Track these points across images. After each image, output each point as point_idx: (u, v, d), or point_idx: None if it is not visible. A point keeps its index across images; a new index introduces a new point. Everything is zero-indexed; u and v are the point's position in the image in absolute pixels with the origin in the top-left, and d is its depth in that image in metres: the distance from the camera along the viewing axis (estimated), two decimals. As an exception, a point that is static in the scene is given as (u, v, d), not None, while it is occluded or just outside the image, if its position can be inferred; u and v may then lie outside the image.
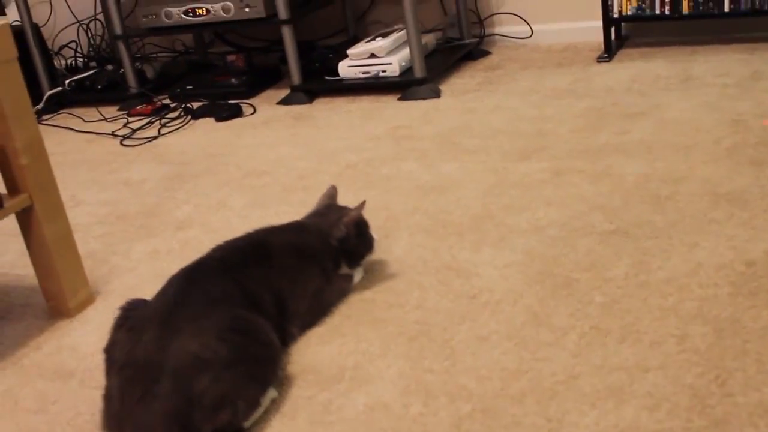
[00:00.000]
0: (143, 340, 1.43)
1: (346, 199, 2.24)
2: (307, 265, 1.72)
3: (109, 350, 1.50)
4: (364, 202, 1.88)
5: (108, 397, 1.44)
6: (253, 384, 1.41)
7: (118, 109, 3.98)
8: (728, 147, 2.33)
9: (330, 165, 2.71)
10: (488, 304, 1.71)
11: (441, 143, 2.75)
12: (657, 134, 2.52)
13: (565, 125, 2.73)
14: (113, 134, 3.58)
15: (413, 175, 2.50)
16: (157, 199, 2.67)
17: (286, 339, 1.66)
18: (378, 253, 1.98)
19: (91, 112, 4.00)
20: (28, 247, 1.97)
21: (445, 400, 1.42)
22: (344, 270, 1.84)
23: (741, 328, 1.49)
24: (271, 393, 1.48)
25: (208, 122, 3.56)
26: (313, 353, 1.64)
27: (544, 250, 1.89)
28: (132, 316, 1.53)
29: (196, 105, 3.75)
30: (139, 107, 3.86)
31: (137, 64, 4.14)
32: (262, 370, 1.44)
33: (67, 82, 4.23)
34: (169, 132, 3.50)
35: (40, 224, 1.91)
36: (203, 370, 1.36)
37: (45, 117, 4.09)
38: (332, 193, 1.97)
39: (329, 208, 1.91)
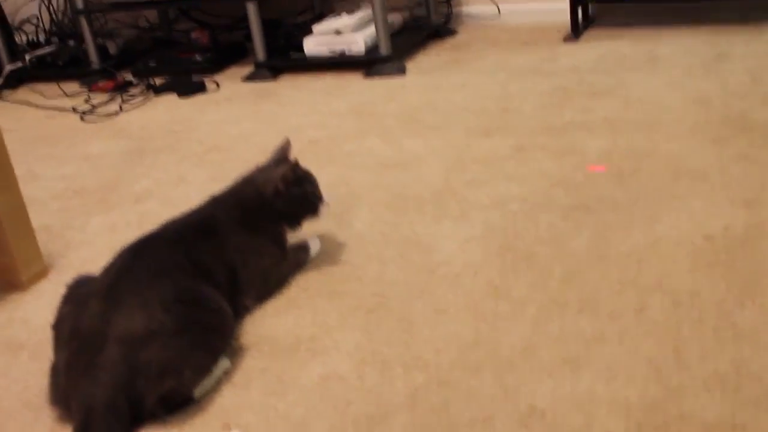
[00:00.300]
0: (88, 313, 1.39)
1: None
2: (256, 236, 1.68)
3: (57, 326, 1.47)
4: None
5: (55, 371, 1.41)
6: (200, 352, 1.38)
7: (80, 85, 3.90)
8: (691, 125, 2.33)
9: (292, 141, 2.66)
10: (447, 277, 1.69)
11: (404, 120, 2.72)
12: (621, 112, 2.51)
13: (530, 103, 2.71)
14: (74, 110, 3.50)
15: (375, 151, 2.47)
16: (117, 173, 2.62)
17: (240, 311, 1.63)
18: (338, 227, 1.96)
19: (52, 89, 3.92)
20: (-21, 220, 1.92)
21: (401, 371, 1.40)
22: (287, 231, 1.77)
23: (698, 301, 1.49)
24: (224, 363, 1.45)
25: (171, 98, 3.50)
26: (269, 325, 1.61)
27: (505, 225, 1.87)
28: (79, 291, 1.49)
29: (159, 82, 3.68)
30: (100, 83, 3.79)
31: (100, 39, 4.06)
32: (210, 339, 1.42)
33: (27, 57, 4.14)
34: (131, 108, 3.43)
35: (-9, 196, 1.86)
36: (147, 340, 1.34)
37: (4, 93, 4.00)
38: (285, 146, 1.85)
39: (277, 162, 1.80)
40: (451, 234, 1.86)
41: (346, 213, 2.04)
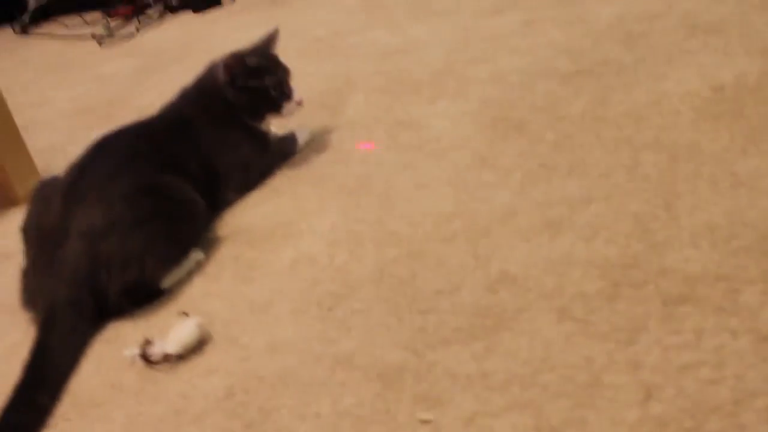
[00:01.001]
0: (50, 210, 1.34)
1: (308, 69, 2.14)
2: (229, 127, 1.59)
3: (25, 228, 1.42)
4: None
5: (24, 273, 1.37)
6: (164, 242, 1.33)
7: (102, 13, 3.85)
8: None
9: (297, 41, 2.58)
10: (434, 152, 1.59)
11: (412, 8, 2.60)
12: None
13: (546, -22, 2.54)
14: (92, 36, 3.46)
15: (379, 41, 2.37)
16: (124, 89, 2.58)
17: (221, 204, 1.56)
18: (331, 115, 1.88)
19: (75, 20, 3.89)
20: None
21: (372, 247, 1.33)
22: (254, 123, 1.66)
23: (698, 152, 1.36)
24: (197, 255, 1.40)
25: (187, 15, 3.44)
26: (248, 215, 1.55)
27: (501, 96, 1.76)
28: (45, 191, 1.44)
29: (176, 1, 3.61)
30: (120, 9, 3.74)
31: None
32: (175, 229, 1.36)
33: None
34: (147, 29, 3.38)
35: (-27, 108, 1.83)
36: (107, 232, 1.28)
37: (30, 28, 3.98)
38: (270, 36, 1.71)
39: (253, 51, 1.66)
40: (444, 112, 1.76)
41: (341, 102, 1.95)
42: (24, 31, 3.99)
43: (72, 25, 3.81)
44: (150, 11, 3.61)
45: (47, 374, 1.16)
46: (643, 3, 2.09)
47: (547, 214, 1.29)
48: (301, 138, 1.75)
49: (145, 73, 2.68)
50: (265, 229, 1.47)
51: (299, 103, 1.64)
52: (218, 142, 1.56)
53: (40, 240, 1.34)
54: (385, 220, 1.39)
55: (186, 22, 3.30)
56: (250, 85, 1.58)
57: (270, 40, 1.67)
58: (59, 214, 1.32)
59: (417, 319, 1.11)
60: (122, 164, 1.40)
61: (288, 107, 1.62)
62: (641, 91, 1.61)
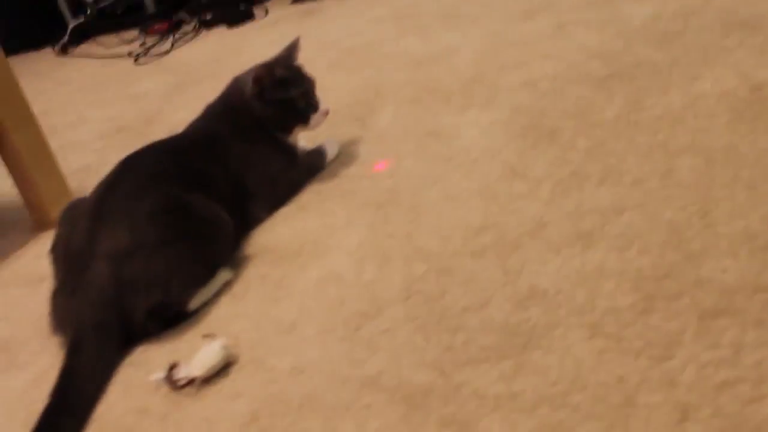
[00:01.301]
0: (77, 231, 1.34)
1: (338, 80, 2.13)
2: (256, 143, 1.58)
3: (54, 250, 1.42)
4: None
5: (53, 295, 1.37)
6: (190, 263, 1.31)
7: (139, 31, 3.89)
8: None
9: (329, 52, 2.57)
10: (464, 164, 1.56)
11: (444, 17, 2.58)
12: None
13: (578, -21, 2.50)
14: (129, 55, 3.49)
15: (410, 50, 2.34)
16: (158, 107, 2.59)
17: (251, 222, 1.55)
18: (360, 128, 1.86)
19: (112, 39, 3.94)
20: (4, 160, 1.91)
21: (400, 263, 1.30)
22: (287, 138, 1.64)
23: (735, 156, 1.31)
24: (224, 275, 1.38)
25: (220, 30, 3.45)
26: (276, 232, 1.53)
27: (532, 104, 1.72)
28: (73, 213, 1.44)
29: (210, 17, 3.63)
30: (156, 26, 3.77)
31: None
32: (202, 249, 1.34)
33: (88, 11, 4.16)
34: (181, 45, 3.40)
35: (8, 133, 1.84)
36: (133, 253, 1.27)
37: (70, 48, 4.04)
38: (292, 45, 1.68)
39: (276, 62, 1.64)
40: (474, 121, 1.73)
41: (371, 113, 1.93)
42: (64, 51, 4.04)
43: (109, 44, 3.84)
44: (184, 27, 3.62)
45: (74, 399, 1.15)
46: (678, 0, 2.04)
47: (578, 225, 1.25)
48: (330, 152, 1.73)
49: (179, 90, 2.69)
50: (292, 246, 1.45)
51: (326, 114, 1.62)
52: (246, 158, 1.54)
53: (67, 262, 1.34)
54: (414, 234, 1.37)
55: (220, 36, 3.31)
56: (277, 97, 1.57)
57: (292, 50, 1.65)
58: (85, 236, 1.32)
59: (445, 337, 1.09)
60: (148, 183, 1.39)
61: (315, 118, 1.61)
62: (676, 93, 1.56)
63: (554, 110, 1.65)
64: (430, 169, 1.57)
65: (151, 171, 1.42)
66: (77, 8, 4.28)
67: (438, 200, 1.45)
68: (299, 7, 3.40)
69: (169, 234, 1.31)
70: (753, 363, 0.89)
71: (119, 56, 3.53)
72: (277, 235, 1.51)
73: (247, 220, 1.53)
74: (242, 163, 1.53)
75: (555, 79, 1.79)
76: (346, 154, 1.75)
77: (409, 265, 1.28)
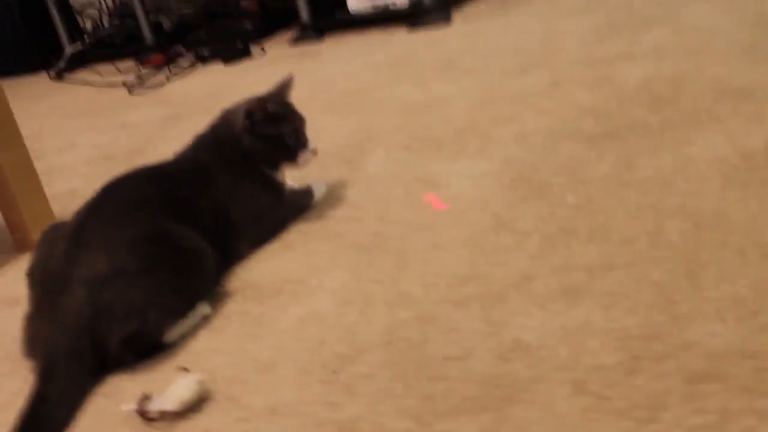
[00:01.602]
0: (55, 256, 1.31)
1: (331, 122, 2.13)
2: (245, 177, 1.56)
3: (30, 273, 1.39)
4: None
5: (27, 319, 1.34)
6: (168, 293, 1.28)
7: (136, 62, 3.90)
8: (745, 47, 2.10)
9: (324, 93, 2.57)
10: (452, 212, 1.55)
11: (440, 66, 2.58)
12: (669, 40, 2.30)
13: (574, 39, 2.53)
14: (123, 84, 3.48)
15: (405, 97, 2.34)
16: (148, 137, 2.57)
17: (233, 257, 1.52)
18: (350, 170, 1.84)
19: (109, 68, 3.95)
20: (-13, 179, 1.89)
21: (384, 308, 1.27)
22: (274, 174, 1.62)
23: (724, 221, 1.30)
24: (203, 309, 1.35)
25: (217, 66, 3.46)
26: (259, 269, 1.50)
27: (523, 157, 1.72)
28: (52, 235, 1.41)
29: (208, 52, 3.64)
30: (152, 57, 3.77)
31: (156, 16, 4.05)
32: (181, 280, 1.31)
33: (86, 39, 4.17)
34: (177, 78, 3.40)
35: (-7, 152, 1.82)
36: (110, 280, 1.24)
37: (66, 75, 4.04)
38: (285, 82, 1.67)
39: (267, 97, 1.62)
40: (465, 171, 1.72)
41: (361, 157, 1.92)
42: (59, 77, 4.03)
43: (106, 72, 3.84)
44: (181, 61, 3.62)
45: (42, 426, 1.11)
46: (672, 65, 2.06)
47: (564, 280, 1.23)
48: (318, 192, 1.71)
49: (171, 122, 2.68)
50: (274, 284, 1.42)
51: (314, 153, 1.61)
52: (232, 191, 1.52)
53: (44, 286, 1.30)
54: (398, 280, 1.34)
55: (215, 72, 3.32)
56: (268, 132, 1.55)
57: (285, 87, 1.65)
58: (63, 260, 1.29)
59: (425, 386, 1.06)
60: (130, 210, 1.37)
61: (303, 156, 1.59)
62: (667, 156, 1.56)
63: (545, 165, 1.64)
64: (417, 215, 1.56)
65: (134, 197, 1.40)
66: (75, 35, 4.28)
67: (424, 247, 1.43)
68: (297, 48, 3.41)
69: (149, 263, 1.28)
70: (740, 430, 0.86)
71: (114, 85, 3.52)
72: (259, 271, 1.49)
73: (230, 255, 1.51)
74: (228, 197, 1.51)
75: (547, 134, 1.79)
76: (334, 196, 1.74)
77: (392, 310, 1.26)
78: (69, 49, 4.14)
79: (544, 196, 1.52)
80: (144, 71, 3.61)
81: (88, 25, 4.55)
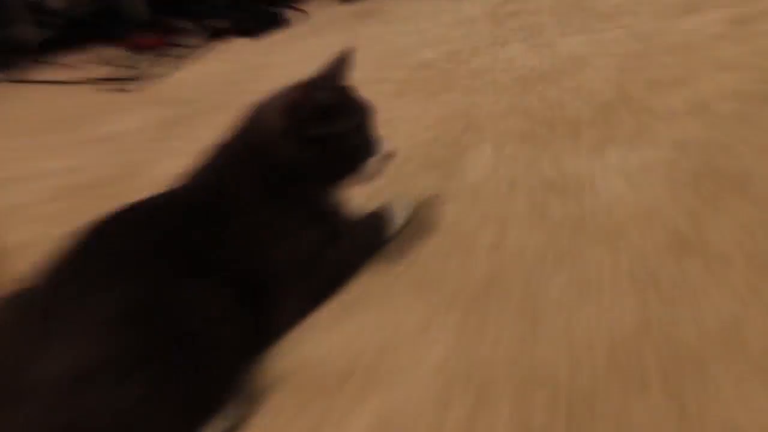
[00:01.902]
0: (15, 336, 1.26)
1: (409, 109, 2.09)
2: (288, 207, 1.49)
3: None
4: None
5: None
6: (176, 395, 1.22)
7: (123, 48, 3.96)
8: None
9: (394, 70, 2.54)
10: (603, 231, 1.49)
11: (565, 13, 2.55)
12: None
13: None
14: (104, 80, 3.51)
15: (515, 63, 2.31)
16: (141, 154, 2.57)
17: (273, 326, 1.47)
18: (444, 178, 1.81)
19: (84, 57, 4.01)
20: None
21: (510, 396, 1.21)
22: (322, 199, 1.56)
23: None
24: (230, 414, 1.29)
25: (238, 43, 3.48)
26: (316, 342, 1.45)
27: (707, 137, 1.66)
28: (9, 309, 1.36)
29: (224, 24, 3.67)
30: (144, 39, 3.81)
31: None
32: (189, 378, 1.25)
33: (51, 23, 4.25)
34: (181, 65, 3.42)
35: None
36: (79, 386, 1.18)
37: (22, 72, 4.11)
38: (342, 58, 1.57)
39: (314, 82, 1.54)
40: (618, 166, 1.69)
41: (458, 158, 1.88)
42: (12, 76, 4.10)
43: (81, 64, 3.88)
44: (185, 40, 3.64)
45: None
46: None
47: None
48: (398, 216, 1.67)
49: (174, 128, 2.68)
50: (340, 364, 1.37)
51: (389, 157, 1.55)
52: (267, 229, 1.47)
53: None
54: (529, 349, 1.28)
55: (236, 51, 3.33)
56: (318, 133, 1.48)
57: (340, 66, 1.57)
58: (16, 346, 1.24)
59: None
60: (118, 270, 1.31)
61: (372, 165, 1.54)
62: None
63: (743, 146, 1.60)
64: (550, 243, 1.51)
65: (123, 250, 1.35)
66: (38, 18, 4.35)
67: (566, 291, 1.37)
68: (352, 6, 3.41)
69: (142, 354, 1.22)
70: None
71: (91, 82, 3.54)
72: (316, 345, 1.44)
73: (268, 324, 1.45)
74: (262, 237, 1.46)
75: (739, 98, 1.76)
76: (422, 220, 1.70)
77: (522, 403, 1.19)
78: (28, 38, 4.20)
79: (746, 194, 1.47)
80: (134, 58, 3.63)
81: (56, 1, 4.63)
